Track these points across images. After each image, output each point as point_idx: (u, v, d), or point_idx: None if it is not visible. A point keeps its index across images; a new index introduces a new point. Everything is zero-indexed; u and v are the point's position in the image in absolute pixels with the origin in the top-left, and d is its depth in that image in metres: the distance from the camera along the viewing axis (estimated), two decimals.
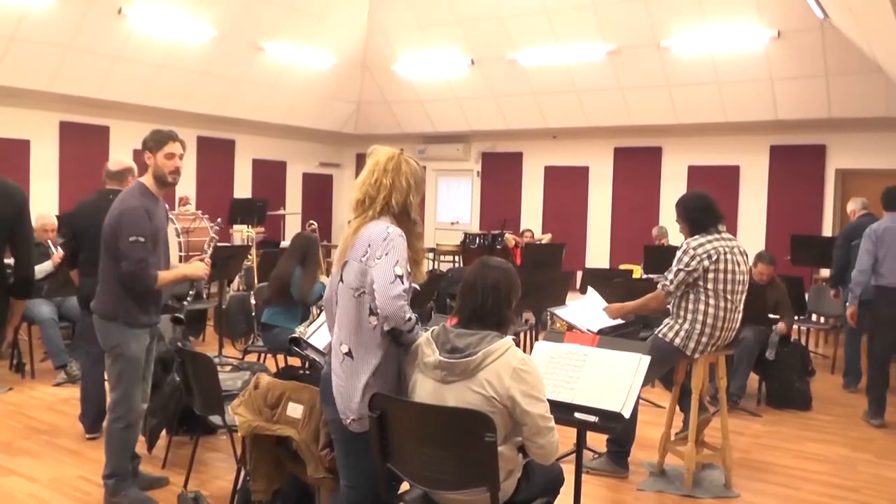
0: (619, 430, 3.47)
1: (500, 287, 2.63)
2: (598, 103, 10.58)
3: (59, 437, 5.06)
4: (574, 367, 3.12)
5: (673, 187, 10.61)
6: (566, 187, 12.16)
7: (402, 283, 2.59)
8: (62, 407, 5.76)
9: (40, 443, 4.95)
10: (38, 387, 6.32)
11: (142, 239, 3.61)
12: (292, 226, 12.47)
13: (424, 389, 2.61)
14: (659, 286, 4.35)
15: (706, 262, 4.18)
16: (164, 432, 4.68)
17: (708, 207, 4.36)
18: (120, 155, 5.57)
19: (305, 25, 10.27)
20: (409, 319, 2.63)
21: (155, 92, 9.80)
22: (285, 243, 9.46)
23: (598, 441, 4.73)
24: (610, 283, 6.73)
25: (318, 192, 13.95)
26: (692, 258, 4.19)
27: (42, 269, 6.55)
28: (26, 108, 9.37)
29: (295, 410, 3.01)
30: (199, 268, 4.05)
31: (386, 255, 2.61)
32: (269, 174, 12.67)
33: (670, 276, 4.26)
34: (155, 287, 3.76)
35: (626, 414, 2.91)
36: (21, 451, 4.77)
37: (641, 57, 9.58)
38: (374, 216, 2.73)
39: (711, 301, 4.20)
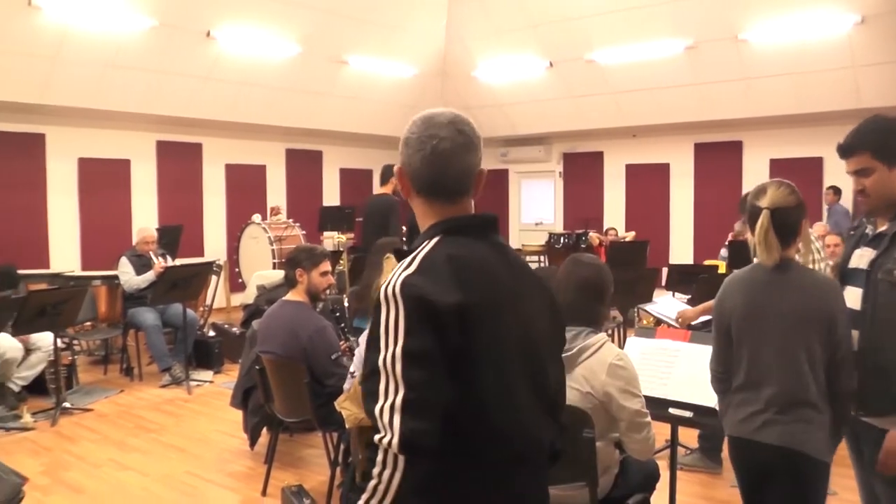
0: (713, 425, 3.46)
1: (591, 283, 2.66)
2: (677, 99, 10.41)
3: (165, 436, 5.36)
4: (666, 362, 3.13)
5: (755, 181, 10.12)
6: (648, 185, 12.03)
7: None
8: (168, 407, 6.09)
9: (149, 441, 5.25)
10: (146, 389, 6.68)
11: None
12: None
13: None
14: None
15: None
16: (265, 429, 4.83)
17: None
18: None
19: (386, 37, 10.47)
20: None
21: (244, 108, 10.15)
22: None
23: (689, 437, 4.71)
24: (696, 279, 6.66)
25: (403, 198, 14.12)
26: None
27: (145, 278, 6.92)
28: (126, 130, 9.87)
29: None
30: None
31: None
32: (356, 182, 12.90)
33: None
34: None
35: None
36: (132, 449, 5.08)
37: (719, 51, 9.38)
38: None
39: None
